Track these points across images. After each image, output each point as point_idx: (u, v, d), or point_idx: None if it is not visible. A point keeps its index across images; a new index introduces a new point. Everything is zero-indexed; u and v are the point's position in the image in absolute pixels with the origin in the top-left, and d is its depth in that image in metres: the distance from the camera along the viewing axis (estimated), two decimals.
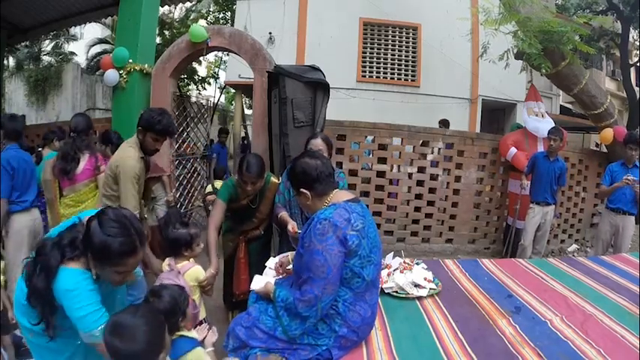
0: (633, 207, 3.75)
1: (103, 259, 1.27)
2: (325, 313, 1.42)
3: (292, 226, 2.22)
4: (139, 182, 2.24)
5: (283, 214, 2.38)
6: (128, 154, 2.25)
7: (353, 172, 4.79)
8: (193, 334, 1.54)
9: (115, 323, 1.16)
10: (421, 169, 4.99)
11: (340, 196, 1.54)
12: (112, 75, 4.35)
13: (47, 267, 1.27)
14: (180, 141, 4.85)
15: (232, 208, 2.59)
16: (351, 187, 4.65)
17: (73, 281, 1.26)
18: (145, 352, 1.12)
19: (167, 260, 2.03)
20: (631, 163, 3.74)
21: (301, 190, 1.55)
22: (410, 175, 4.99)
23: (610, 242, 3.93)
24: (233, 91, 13.14)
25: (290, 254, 1.98)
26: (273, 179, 2.68)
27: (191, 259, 2.07)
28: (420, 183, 5.00)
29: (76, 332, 1.35)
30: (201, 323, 1.88)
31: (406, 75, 8.43)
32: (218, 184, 4.10)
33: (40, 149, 3.14)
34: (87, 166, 2.73)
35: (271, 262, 2.05)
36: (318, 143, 2.41)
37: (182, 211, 4.64)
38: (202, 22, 14.00)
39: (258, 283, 1.70)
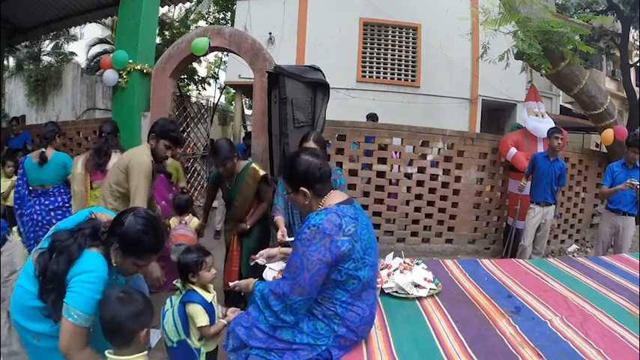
0: (633, 208, 3.75)
1: (132, 251, 1.38)
2: (296, 312, 1.41)
3: (282, 233, 2.25)
4: (149, 181, 2.29)
5: (278, 218, 2.40)
6: (142, 151, 2.34)
7: (353, 172, 4.79)
8: (207, 295, 1.81)
9: (122, 288, 1.37)
10: (421, 170, 4.99)
11: (334, 198, 1.51)
12: (111, 75, 4.35)
13: (69, 251, 1.33)
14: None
15: (222, 190, 2.97)
16: (351, 187, 4.65)
17: (96, 264, 1.34)
18: (133, 317, 1.27)
19: (174, 218, 3.03)
20: (632, 164, 3.73)
21: (301, 188, 1.50)
22: (410, 176, 4.98)
23: (610, 243, 3.92)
24: (233, 91, 13.14)
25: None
26: (254, 166, 2.84)
27: (190, 214, 3.07)
28: (420, 183, 5.00)
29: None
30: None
31: (406, 75, 8.43)
32: None
33: (43, 150, 3.12)
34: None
35: (272, 263, 2.05)
36: (311, 146, 2.38)
37: None
38: (201, 22, 13.99)
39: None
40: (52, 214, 3.11)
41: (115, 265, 1.40)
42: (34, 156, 3.18)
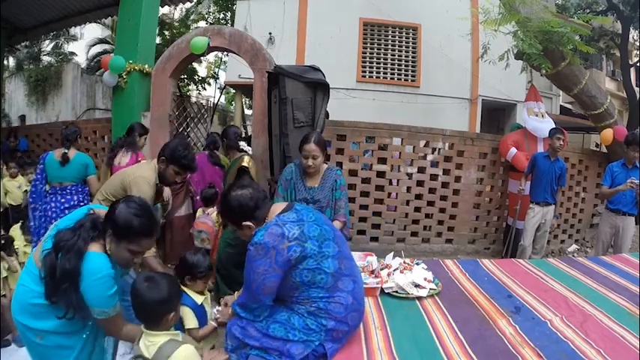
0: (633, 208, 3.74)
1: (123, 235, 1.40)
2: (258, 316, 1.49)
3: None
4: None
5: None
6: (146, 175, 2.20)
7: (353, 173, 4.79)
8: (198, 298, 1.82)
9: (147, 275, 1.46)
10: (421, 170, 4.99)
11: (273, 212, 1.56)
12: (110, 76, 4.36)
13: (77, 249, 1.36)
14: None
15: None
16: (351, 187, 4.65)
17: (99, 264, 1.37)
18: (162, 302, 1.38)
19: (200, 209, 3.33)
20: (631, 163, 3.73)
21: (244, 223, 1.53)
22: (410, 176, 4.99)
23: (610, 243, 3.91)
24: (233, 91, 13.14)
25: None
26: (245, 157, 3.06)
27: (215, 207, 3.27)
28: (420, 183, 5.00)
29: (85, 323, 1.45)
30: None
31: (406, 75, 8.43)
32: None
33: (65, 151, 3.29)
34: (130, 161, 3.23)
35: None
36: (312, 149, 2.37)
37: None
38: (201, 23, 14.00)
39: None
40: (67, 212, 3.17)
41: (110, 254, 1.43)
42: (56, 154, 3.29)
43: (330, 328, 1.45)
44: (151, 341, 1.37)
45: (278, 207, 1.58)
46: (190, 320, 1.75)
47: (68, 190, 3.30)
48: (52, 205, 3.23)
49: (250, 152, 3.22)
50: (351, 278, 1.53)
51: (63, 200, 3.26)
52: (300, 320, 1.46)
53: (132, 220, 1.39)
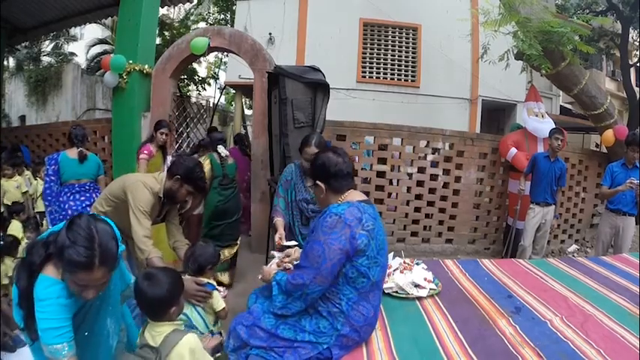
0: (633, 208, 3.74)
1: (60, 262, 1.18)
2: (313, 302, 1.45)
3: (279, 236, 2.27)
4: (147, 215, 2.05)
5: (277, 220, 2.41)
6: (149, 181, 2.12)
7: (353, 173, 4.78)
8: (212, 281, 1.91)
9: (148, 272, 1.48)
10: (421, 170, 4.99)
11: (354, 195, 1.56)
12: (111, 77, 4.36)
13: (30, 266, 1.24)
14: (181, 141, 4.87)
15: None
16: None
17: (44, 291, 1.19)
18: (163, 298, 1.40)
19: None
20: (631, 163, 3.73)
21: (317, 182, 1.58)
22: (410, 176, 4.99)
23: (610, 243, 3.91)
24: (233, 91, 13.13)
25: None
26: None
27: None
28: (420, 183, 5.00)
29: (93, 344, 1.36)
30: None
31: (406, 75, 8.43)
32: None
33: (82, 149, 3.44)
34: (138, 152, 3.53)
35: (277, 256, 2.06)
36: (312, 151, 2.37)
37: None
38: (201, 24, 13.98)
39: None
40: (88, 209, 3.20)
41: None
42: (70, 153, 3.36)
43: (342, 334, 1.44)
44: (157, 331, 1.41)
45: (359, 195, 1.59)
46: (220, 302, 1.84)
47: (87, 187, 3.38)
48: (72, 203, 3.28)
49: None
50: (380, 293, 1.57)
51: (83, 198, 3.32)
52: (311, 322, 1.46)
53: (67, 248, 1.14)
